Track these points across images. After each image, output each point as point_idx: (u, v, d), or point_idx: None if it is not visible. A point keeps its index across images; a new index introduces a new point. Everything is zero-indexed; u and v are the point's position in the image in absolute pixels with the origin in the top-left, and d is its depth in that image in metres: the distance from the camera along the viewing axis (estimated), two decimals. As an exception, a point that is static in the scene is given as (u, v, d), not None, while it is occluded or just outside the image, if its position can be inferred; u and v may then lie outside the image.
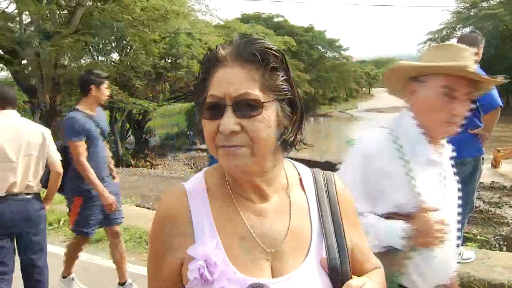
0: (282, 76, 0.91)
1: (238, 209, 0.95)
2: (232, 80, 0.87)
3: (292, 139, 0.93)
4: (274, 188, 0.98)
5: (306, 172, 1.06)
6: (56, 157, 3.36)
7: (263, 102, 0.87)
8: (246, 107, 0.87)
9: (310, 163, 1.22)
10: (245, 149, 0.87)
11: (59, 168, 3.36)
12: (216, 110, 0.88)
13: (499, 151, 13.77)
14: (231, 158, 0.88)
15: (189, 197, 0.97)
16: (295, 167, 1.06)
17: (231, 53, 0.90)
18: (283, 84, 0.91)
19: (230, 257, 0.91)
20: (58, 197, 7.22)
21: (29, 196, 3.19)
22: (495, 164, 13.72)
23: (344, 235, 0.99)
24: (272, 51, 0.89)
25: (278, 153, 0.95)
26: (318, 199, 1.02)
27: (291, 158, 1.08)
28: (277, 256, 0.94)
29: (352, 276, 0.97)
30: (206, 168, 1.05)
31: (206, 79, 0.92)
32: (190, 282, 0.91)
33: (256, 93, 0.87)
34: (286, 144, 0.94)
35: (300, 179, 1.04)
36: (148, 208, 8.33)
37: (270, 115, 0.88)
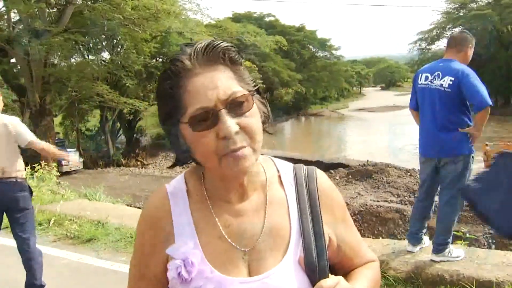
0: (244, 69, 0.93)
1: (212, 211, 0.95)
2: (215, 85, 0.87)
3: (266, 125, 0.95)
4: (253, 186, 0.98)
5: (286, 168, 1.04)
6: (29, 138, 3.57)
7: (251, 95, 0.89)
8: (239, 105, 0.87)
9: (301, 162, 1.20)
10: (248, 149, 0.87)
11: (38, 145, 3.60)
12: (208, 119, 0.86)
13: (487, 145, 13.90)
14: (241, 162, 0.86)
15: (170, 198, 0.97)
16: (275, 164, 1.04)
17: (199, 60, 0.89)
18: (248, 75, 0.93)
19: (208, 256, 0.92)
20: (48, 197, 7.17)
21: (8, 181, 3.52)
22: (486, 159, 13.81)
23: (323, 232, 0.97)
24: (233, 49, 0.91)
25: None
26: (298, 196, 1.00)
27: (282, 157, 1.07)
28: (254, 255, 0.94)
29: (329, 274, 0.96)
30: (187, 169, 1.05)
31: (177, 93, 0.89)
32: (170, 281, 0.93)
33: (240, 89, 0.88)
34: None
35: (279, 176, 1.02)
36: (139, 207, 8.28)
37: (256, 108, 0.91)
